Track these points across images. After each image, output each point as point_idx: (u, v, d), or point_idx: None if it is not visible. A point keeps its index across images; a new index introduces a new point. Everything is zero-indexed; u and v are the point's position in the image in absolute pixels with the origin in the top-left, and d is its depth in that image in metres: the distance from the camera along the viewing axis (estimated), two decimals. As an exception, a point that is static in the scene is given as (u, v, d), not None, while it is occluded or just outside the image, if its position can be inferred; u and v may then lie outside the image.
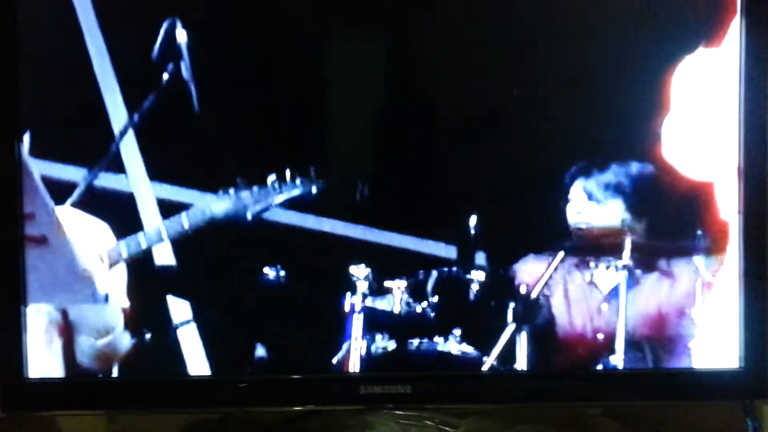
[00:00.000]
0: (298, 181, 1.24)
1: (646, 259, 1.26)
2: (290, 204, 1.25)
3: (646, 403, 1.31)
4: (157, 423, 1.37)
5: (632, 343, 1.25)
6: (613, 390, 1.27)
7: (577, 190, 1.24)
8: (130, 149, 1.25)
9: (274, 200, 1.25)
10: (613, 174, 1.24)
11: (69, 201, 1.24)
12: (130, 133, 1.24)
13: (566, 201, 1.25)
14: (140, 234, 1.25)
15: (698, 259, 1.25)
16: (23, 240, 1.22)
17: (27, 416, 1.29)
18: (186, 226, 1.25)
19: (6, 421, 1.24)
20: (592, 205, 1.24)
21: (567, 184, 1.25)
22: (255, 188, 1.25)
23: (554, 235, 1.26)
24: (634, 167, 1.24)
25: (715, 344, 1.25)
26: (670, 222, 1.26)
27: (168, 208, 1.26)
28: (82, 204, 1.24)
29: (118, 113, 1.24)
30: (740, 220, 1.24)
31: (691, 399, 1.29)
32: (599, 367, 1.26)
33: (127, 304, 1.26)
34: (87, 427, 1.40)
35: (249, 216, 1.25)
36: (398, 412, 1.32)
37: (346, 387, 1.25)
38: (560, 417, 1.36)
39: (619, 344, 1.25)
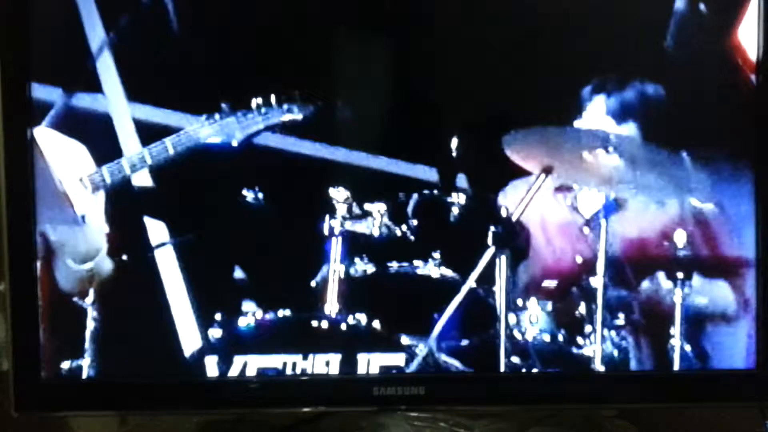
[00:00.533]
0: (285, 106, 1.23)
1: (633, 184, 1.24)
2: (272, 127, 1.24)
3: (661, 406, 1.29)
4: (170, 424, 1.37)
5: (613, 265, 1.24)
6: (627, 392, 1.26)
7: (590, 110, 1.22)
8: (107, 68, 1.23)
9: (260, 125, 1.24)
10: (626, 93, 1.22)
11: (44, 122, 1.22)
12: (107, 52, 1.23)
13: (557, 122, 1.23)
14: (123, 159, 1.24)
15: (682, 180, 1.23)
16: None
17: (39, 417, 1.29)
18: (171, 151, 1.24)
19: (19, 422, 1.24)
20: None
21: (565, 105, 1.23)
22: (240, 113, 1.24)
23: (538, 158, 1.24)
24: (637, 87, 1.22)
25: (731, 345, 1.24)
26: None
27: (147, 131, 1.24)
28: (59, 125, 1.22)
29: (95, 30, 1.22)
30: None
31: (706, 401, 1.27)
32: (608, 369, 1.25)
33: (107, 228, 1.25)
34: (99, 428, 1.40)
35: (235, 143, 1.24)
36: (412, 414, 1.31)
37: (359, 388, 1.25)
38: (574, 419, 1.35)
39: (600, 266, 1.24)
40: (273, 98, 1.23)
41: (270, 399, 1.26)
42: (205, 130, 1.23)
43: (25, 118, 1.20)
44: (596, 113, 1.23)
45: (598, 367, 1.25)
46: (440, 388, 1.24)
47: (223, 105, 1.23)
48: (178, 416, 1.36)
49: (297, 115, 1.23)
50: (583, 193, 1.26)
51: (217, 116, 1.23)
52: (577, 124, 1.24)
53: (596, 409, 1.35)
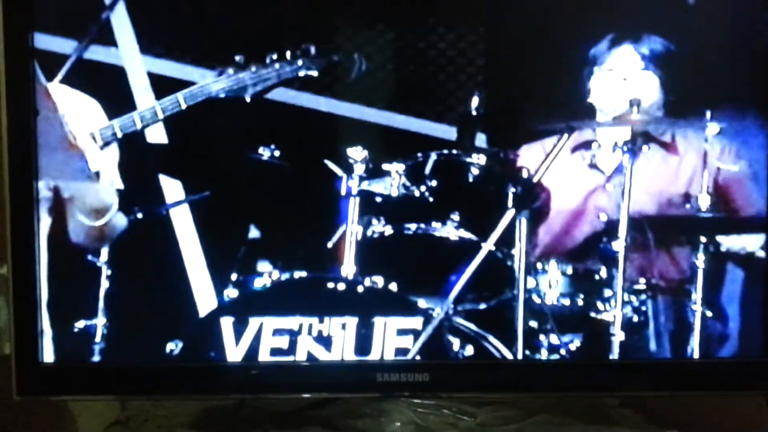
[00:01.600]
0: (299, 62, 1.20)
1: (654, 139, 1.21)
2: (287, 83, 1.21)
3: (665, 394, 1.27)
4: (171, 409, 1.36)
5: (634, 227, 1.21)
6: (632, 380, 1.24)
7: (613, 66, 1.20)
8: (121, 21, 1.21)
9: (274, 80, 1.21)
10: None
11: (58, 77, 1.20)
12: (121, 3, 1.20)
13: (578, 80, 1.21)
14: (135, 114, 1.22)
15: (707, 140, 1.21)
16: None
17: (41, 401, 1.28)
18: (183, 106, 1.22)
19: (21, 405, 1.23)
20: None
21: (589, 61, 1.20)
22: (254, 67, 1.21)
23: (559, 117, 1.21)
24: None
25: (738, 335, 1.22)
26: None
27: (162, 85, 1.22)
28: (73, 80, 1.20)
29: (109, -16, 1.20)
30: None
31: (712, 390, 1.25)
32: (615, 356, 1.23)
33: (120, 184, 1.23)
34: (100, 413, 1.38)
35: (248, 97, 1.21)
36: (415, 401, 1.29)
37: (362, 374, 1.23)
38: (579, 407, 1.33)
39: (622, 228, 1.21)
40: (288, 53, 1.20)
41: (273, 385, 1.24)
42: (218, 84, 1.21)
43: (30, 71, 1.17)
44: (617, 67, 1.20)
45: (618, 331, 1.23)
46: (445, 374, 1.23)
47: (237, 58, 1.21)
48: (180, 401, 1.35)
49: (312, 71, 1.20)
50: (603, 150, 1.23)
51: (230, 70, 1.21)
52: (596, 80, 1.21)
53: (601, 397, 1.34)
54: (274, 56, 1.21)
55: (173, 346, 1.24)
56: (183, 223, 1.25)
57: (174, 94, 1.21)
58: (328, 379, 1.24)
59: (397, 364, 1.22)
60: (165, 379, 1.25)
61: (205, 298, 1.25)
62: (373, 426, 1.28)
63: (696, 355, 1.23)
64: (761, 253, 1.21)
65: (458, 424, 1.29)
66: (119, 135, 1.22)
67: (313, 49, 1.21)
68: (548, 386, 1.24)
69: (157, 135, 1.23)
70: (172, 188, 1.25)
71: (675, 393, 1.25)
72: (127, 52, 1.21)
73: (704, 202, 1.21)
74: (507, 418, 1.30)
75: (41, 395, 1.24)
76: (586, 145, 1.24)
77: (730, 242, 1.23)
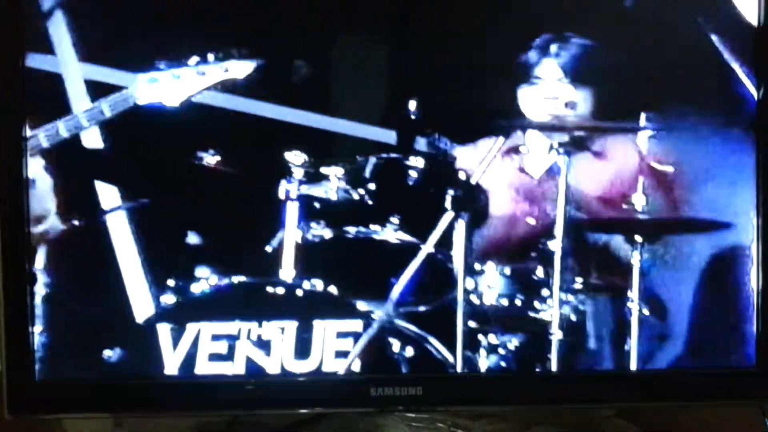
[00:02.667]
0: (223, 65, 1.20)
1: (589, 141, 1.23)
2: (224, 86, 1.21)
3: (661, 405, 1.27)
4: (165, 426, 1.35)
5: (572, 227, 1.23)
6: (626, 392, 1.25)
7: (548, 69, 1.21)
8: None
9: (199, 85, 1.20)
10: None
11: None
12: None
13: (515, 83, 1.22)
14: (59, 122, 1.20)
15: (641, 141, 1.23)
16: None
17: (34, 419, 1.25)
18: (108, 114, 1.20)
19: (13, 424, 1.20)
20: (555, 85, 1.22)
21: (523, 64, 1.22)
22: (174, 71, 1.20)
23: (497, 120, 1.23)
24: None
25: (730, 344, 1.23)
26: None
27: (98, 91, 1.21)
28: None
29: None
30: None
31: (706, 400, 1.26)
32: (611, 366, 1.24)
33: (55, 191, 1.22)
34: (93, 430, 1.37)
35: (177, 102, 1.20)
36: (409, 415, 1.29)
37: (356, 389, 1.22)
38: (573, 419, 1.34)
39: (558, 229, 1.23)
40: (211, 56, 1.19)
41: (266, 400, 1.23)
42: (141, 91, 1.20)
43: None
44: (548, 71, 1.22)
45: (556, 330, 1.23)
46: (438, 388, 1.23)
47: (160, 63, 1.20)
48: (173, 418, 1.34)
49: (237, 75, 1.19)
50: (533, 153, 1.24)
51: (153, 74, 1.20)
52: (527, 85, 1.23)
53: (596, 408, 1.34)
54: (197, 59, 1.20)
55: (110, 353, 1.22)
56: (120, 229, 1.23)
57: (98, 102, 1.20)
58: (322, 394, 1.23)
59: (390, 378, 1.21)
60: (159, 396, 1.24)
61: (142, 304, 1.23)
62: (367, 440, 1.28)
63: (634, 362, 1.24)
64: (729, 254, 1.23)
65: (452, 437, 1.30)
66: (45, 144, 1.20)
67: (236, 53, 1.20)
68: (542, 399, 1.25)
69: (93, 140, 1.22)
70: (108, 194, 1.24)
71: (672, 404, 1.26)
72: (64, 60, 1.20)
73: (639, 202, 1.23)
74: (501, 431, 1.31)
75: (34, 413, 1.22)
76: (516, 149, 1.25)
77: (670, 242, 1.24)
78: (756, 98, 1.20)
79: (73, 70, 1.20)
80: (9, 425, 1.21)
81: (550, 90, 1.23)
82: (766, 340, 1.21)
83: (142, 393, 1.23)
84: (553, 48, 1.21)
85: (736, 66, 1.19)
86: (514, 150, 1.25)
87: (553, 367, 1.24)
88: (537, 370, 1.25)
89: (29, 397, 1.20)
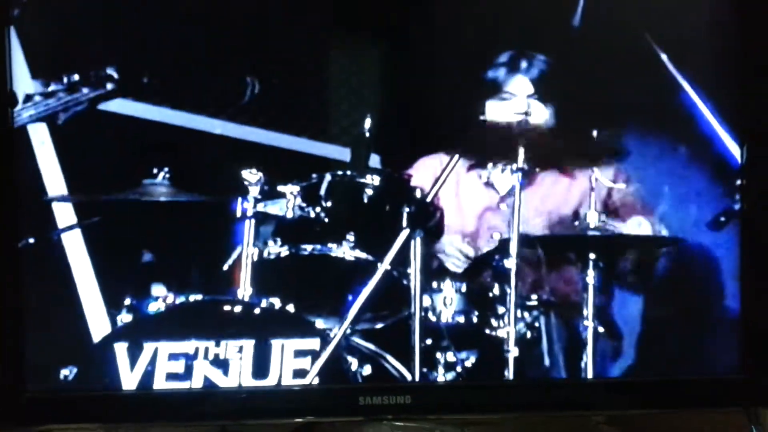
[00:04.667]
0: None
1: (546, 160, 1.24)
2: (175, 104, 1.21)
3: (650, 412, 1.28)
4: None
5: (526, 244, 1.23)
6: (615, 398, 1.25)
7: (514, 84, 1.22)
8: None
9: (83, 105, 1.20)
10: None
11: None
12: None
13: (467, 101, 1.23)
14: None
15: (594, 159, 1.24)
16: None
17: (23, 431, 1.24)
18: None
19: None
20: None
21: (471, 81, 1.23)
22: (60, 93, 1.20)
23: (452, 136, 1.23)
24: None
25: (717, 351, 1.24)
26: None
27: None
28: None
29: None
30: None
31: (694, 406, 1.27)
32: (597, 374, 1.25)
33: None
34: None
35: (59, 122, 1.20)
36: (398, 423, 1.28)
37: (345, 398, 1.22)
38: (563, 426, 1.34)
39: (513, 246, 1.23)
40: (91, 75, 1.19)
41: (256, 410, 1.23)
42: (26, 112, 1.19)
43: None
44: (508, 89, 1.23)
45: (512, 347, 1.24)
46: (427, 396, 1.23)
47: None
48: (163, 428, 1.32)
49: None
50: (497, 170, 1.25)
51: (37, 97, 1.20)
52: (487, 102, 1.23)
53: (585, 415, 1.34)
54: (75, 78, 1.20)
55: (67, 372, 1.22)
56: (75, 247, 1.23)
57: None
58: (311, 404, 1.23)
59: (379, 387, 1.21)
60: (149, 406, 1.23)
61: (98, 323, 1.23)
62: (355, 449, 1.28)
63: (590, 373, 1.25)
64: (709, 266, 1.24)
65: (440, 445, 1.30)
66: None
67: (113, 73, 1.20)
68: (531, 406, 1.25)
69: (47, 158, 1.22)
70: (63, 213, 1.23)
71: (659, 411, 1.26)
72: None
73: (593, 219, 1.23)
74: None
75: (23, 426, 1.21)
76: (482, 164, 1.25)
77: (623, 258, 1.25)
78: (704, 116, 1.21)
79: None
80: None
81: (506, 109, 1.23)
82: (752, 348, 1.22)
83: (132, 403, 1.23)
84: (511, 66, 1.22)
85: (685, 84, 1.20)
86: (480, 165, 1.25)
87: (542, 374, 1.25)
88: (526, 377, 1.25)
89: (19, 409, 1.20)
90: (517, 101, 1.23)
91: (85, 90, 1.20)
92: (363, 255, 1.24)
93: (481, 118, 1.24)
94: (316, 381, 1.22)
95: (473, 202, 1.26)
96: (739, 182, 1.21)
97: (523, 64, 1.22)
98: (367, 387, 1.22)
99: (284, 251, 1.26)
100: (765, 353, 1.21)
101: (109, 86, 1.20)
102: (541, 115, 1.24)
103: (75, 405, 1.23)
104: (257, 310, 1.23)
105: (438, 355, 1.24)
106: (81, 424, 1.26)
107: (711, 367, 1.25)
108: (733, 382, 1.23)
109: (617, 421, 1.35)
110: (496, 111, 1.24)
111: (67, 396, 1.22)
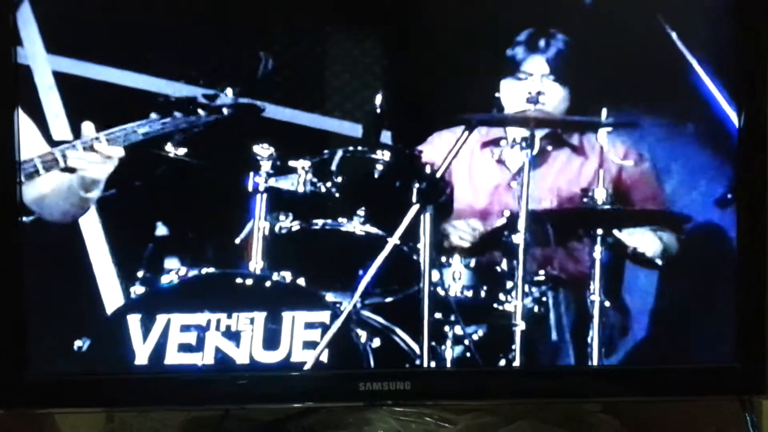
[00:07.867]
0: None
1: (556, 137, 1.25)
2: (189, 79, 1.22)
3: (644, 399, 1.29)
4: (156, 420, 1.35)
5: (535, 221, 1.25)
6: (611, 386, 1.26)
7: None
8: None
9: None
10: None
11: None
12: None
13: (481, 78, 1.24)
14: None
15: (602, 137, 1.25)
16: None
17: (26, 414, 1.26)
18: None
19: (5, 419, 1.21)
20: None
21: (485, 59, 1.24)
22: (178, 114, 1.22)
23: (462, 114, 1.24)
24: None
25: (712, 339, 1.24)
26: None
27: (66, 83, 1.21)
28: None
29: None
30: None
31: (689, 395, 1.27)
32: (595, 362, 1.25)
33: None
34: (86, 425, 1.38)
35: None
36: (397, 409, 1.31)
37: (345, 384, 1.23)
38: (559, 413, 1.35)
39: (522, 223, 1.25)
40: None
41: (257, 394, 1.24)
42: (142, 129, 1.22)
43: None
44: (522, 66, 1.24)
45: (519, 322, 1.26)
46: (426, 383, 1.24)
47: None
48: (165, 412, 1.35)
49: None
50: (510, 147, 1.26)
51: (153, 115, 1.22)
52: (500, 79, 1.25)
53: (580, 403, 1.36)
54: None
55: (81, 344, 1.23)
56: (89, 220, 1.24)
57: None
58: (312, 389, 1.24)
59: (379, 373, 1.23)
60: (151, 390, 1.24)
61: (111, 295, 1.24)
62: (355, 434, 1.30)
63: (595, 356, 1.26)
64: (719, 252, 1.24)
65: (440, 431, 1.32)
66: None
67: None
68: (528, 393, 1.26)
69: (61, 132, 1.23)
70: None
71: (654, 399, 1.28)
72: (32, 52, 1.20)
73: (600, 196, 1.25)
74: (487, 424, 1.32)
75: (25, 408, 1.23)
76: (495, 141, 1.27)
77: (628, 236, 1.27)
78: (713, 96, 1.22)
79: (42, 62, 1.21)
80: (2, 420, 1.22)
81: (520, 87, 1.24)
82: (747, 336, 1.22)
83: (133, 387, 1.24)
84: (525, 44, 1.23)
85: (694, 62, 1.21)
86: (494, 142, 1.26)
87: (539, 363, 1.27)
88: (524, 365, 1.26)
89: (20, 391, 1.21)
90: (532, 81, 1.24)
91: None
92: (373, 230, 1.26)
93: (496, 95, 1.25)
94: (325, 354, 1.23)
95: (485, 179, 1.27)
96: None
97: (542, 43, 1.23)
98: (367, 373, 1.24)
99: (295, 226, 1.27)
100: (759, 341, 1.22)
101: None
102: (556, 94, 1.25)
103: (77, 388, 1.23)
104: (268, 283, 1.25)
105: (446, 328, 1.26)
106: (82, 408, 1.27)
107: (705, 355, 1.26)
108: (727, 370, 1.23)
109: (612, 408, 1.37)
110: (510, 90, 1.25)
111: (68, 380, 1.23)
